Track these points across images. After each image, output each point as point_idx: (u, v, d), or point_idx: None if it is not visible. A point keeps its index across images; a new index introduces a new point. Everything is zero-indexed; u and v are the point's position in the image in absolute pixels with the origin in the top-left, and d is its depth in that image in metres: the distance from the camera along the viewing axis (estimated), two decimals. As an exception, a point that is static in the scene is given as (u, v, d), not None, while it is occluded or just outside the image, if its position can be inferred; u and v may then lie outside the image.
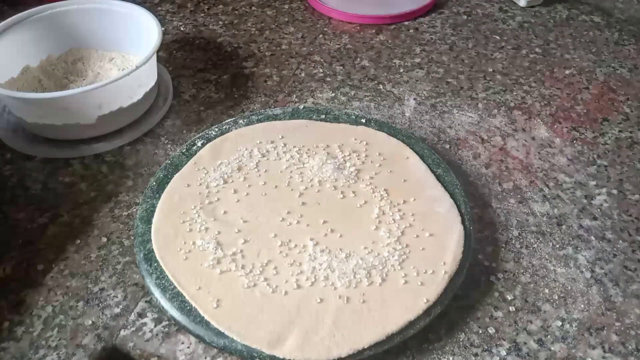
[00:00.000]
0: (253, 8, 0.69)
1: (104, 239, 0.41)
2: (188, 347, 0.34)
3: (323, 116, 0.48)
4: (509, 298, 0.37)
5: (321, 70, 0.58)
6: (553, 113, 0.53)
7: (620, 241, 0.41)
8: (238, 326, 0.33)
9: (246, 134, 0.46)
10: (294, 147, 0.45)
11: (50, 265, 0.39)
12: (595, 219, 0.43)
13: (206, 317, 0.33)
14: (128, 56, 0.56)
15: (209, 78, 0.57)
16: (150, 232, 0.39)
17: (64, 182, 0.45)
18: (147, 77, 0.50)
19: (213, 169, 0.43)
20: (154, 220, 0.39)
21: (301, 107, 0.49)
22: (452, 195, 0.41)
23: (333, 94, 0.55)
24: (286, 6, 0.70)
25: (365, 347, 0.32)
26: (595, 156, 0.48)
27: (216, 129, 0.47)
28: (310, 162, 0.44)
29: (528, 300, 0.37)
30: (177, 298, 0.35)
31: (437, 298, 0.35)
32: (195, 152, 0.45)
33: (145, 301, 0.37)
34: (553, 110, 0.53)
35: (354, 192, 0.41)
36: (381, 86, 0.56)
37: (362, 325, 0.33)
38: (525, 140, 0.50)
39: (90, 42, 0.56)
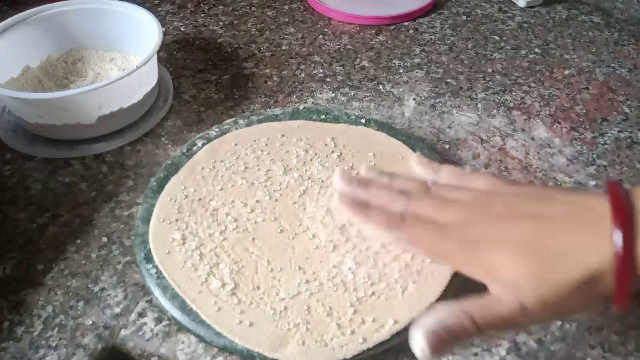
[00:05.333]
0: (253, 8, 0.70)
1: (104, 239, 0.41)
2: (188, 347, 0.34)
3: (323, 116, 0.48)
4: (509, 298, 0.37)
5: (321, 71, 0.58)
6: (552, 113, 0.53)
7: (620, 241, 0.41)
8: (240, 329, 0.33)
9: (245, 135, 0.46)
10: (294, 148, 0.45)
11: (50, 265, 0.39)
12: (594, 219, 0.43)
13: (208, 321, 0.33)
14: (128, 56, 0.56)
15: (209, 78, 0.57)
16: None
17: (64, 182, 0.45)
18: (148, 78, 0.50)
19: (210, 171, 0.43)
20: (151, 225, 0.39)
21: (301, 107, 0.50)
22: (452, 195, 0.41)
23: (333, 94, 0.55)
24: (286, 7, 0.70)
25: (370, 347, 0.32)
26: (594, 156, 0.48)
27: (216, 129, 0.47)
28: (310, 163, 0.44)
29: (528, 300, 0.37)
30: (177, 298, 0.35)
31: (438, 298, 0.35)
32: (196, 152, 0.45)
33: (146, 301, 0.37)
34: (552, 110, 0.53)
35: (354, 192, 0.41)
36: (381, 86, 0.56)
37: (366, 325, 0.33)
38: (525, 141, 0.50)
39: (90, 42, 0.56)
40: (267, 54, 0.61)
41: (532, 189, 0.34)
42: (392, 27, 0.66)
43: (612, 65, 0.60)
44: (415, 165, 0.37)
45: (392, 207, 0.33)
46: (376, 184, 0.35)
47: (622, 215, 0.26)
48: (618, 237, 0.26)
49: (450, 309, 0.28)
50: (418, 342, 0.27)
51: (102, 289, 0.37)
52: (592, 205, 0.28)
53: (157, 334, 0.35)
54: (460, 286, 0.37)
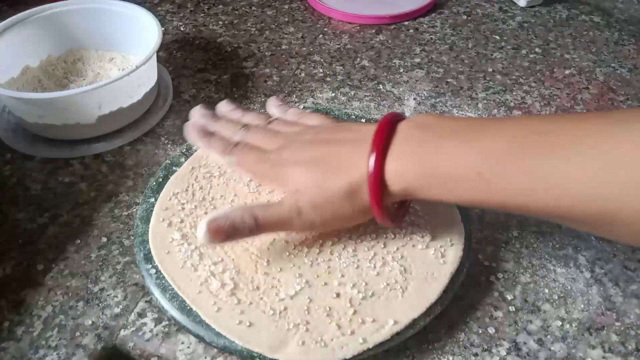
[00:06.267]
0: (253, 8, 0.69)
1: (104, 239, 0.41)
2: (188, 347, 0.34)
3: (323, 116, 0.48)
4: (509, 298, 0.37)
5: (321, 70, 0.58)
6: (553, 113, 0.53)
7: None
8: (239, 330, 0.33)
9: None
10: (294, 147, 0.45)
11: (50, 265, 0.39)
12: (595, 219, 0.43)
13: (207, 322, 0.33)
14: (128, 56, 0.56)
15: (209, 78, 0.57)
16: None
17: (64, 182, 0.45)
18: (147, 77, 0.50)
19: (209, 170, 0.43)
20: (151, 225, 0.39)
21: (301, 107, 0.49)
22: (452, 195, 0.41)
23: (333, 94, 0.55)
24: (286, 6, 0.70)
25: (370, 347, 0.32)
26: (595, 156, 0.48)
27: (216, 129, 0.47)
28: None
29: (528, 300, 0.37)
30: (177, 298, 0.35)
31: (438, 298, 0.35)
32: (196, 152, 0.44)
33: (145, 301, 0.37)
34: (553, 110, 0.53)
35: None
36: (381, 86, 0.56)
37: (366, 325, 0.33)
38: (525, 140, 0.50)
39: (90, 42, 0.56)
40: (267, 53, 0.61)
41: (347, 123, 0.40)
42: (393, 27, 0.66)
43: (613, 65, 0.60)
44: (270, 105, 0.43)
45: (232, 137, 0.39)
46: (225, 119, 0.41)
47: (379, 138, 0.32)
48: (371, 158, 0.32)
49: (239, 208, 0.34)
50: (201, 228, 0.32)
51: (102, 289, 0.37)
52: (369, 131, 0.33)
53: (156, 334, 0.35)
54: (460, 286, 0.37)
